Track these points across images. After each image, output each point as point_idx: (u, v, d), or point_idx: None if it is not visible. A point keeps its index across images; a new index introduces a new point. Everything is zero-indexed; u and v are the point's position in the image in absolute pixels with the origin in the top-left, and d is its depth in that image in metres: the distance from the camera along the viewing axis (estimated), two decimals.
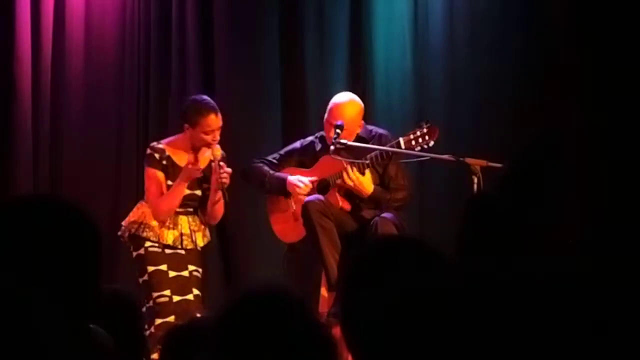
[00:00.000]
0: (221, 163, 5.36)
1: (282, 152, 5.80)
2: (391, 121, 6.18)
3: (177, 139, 5.48)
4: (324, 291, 5.53)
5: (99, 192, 6.57)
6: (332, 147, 5.43)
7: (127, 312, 3.26)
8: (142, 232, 5.38)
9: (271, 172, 5.67)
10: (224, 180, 5.32)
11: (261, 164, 5.71)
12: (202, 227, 5.53)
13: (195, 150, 5.46)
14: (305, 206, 5.41)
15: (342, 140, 5.45)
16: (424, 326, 1.01)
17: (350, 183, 5.40)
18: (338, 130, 5.44)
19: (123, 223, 5.49)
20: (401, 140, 5.38)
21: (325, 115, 5.56)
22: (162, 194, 5.40)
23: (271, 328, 1.74)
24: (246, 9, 6.84)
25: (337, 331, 2.04)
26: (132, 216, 5.47)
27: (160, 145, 5.46)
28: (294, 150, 5.76)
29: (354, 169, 5.39)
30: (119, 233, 5.47)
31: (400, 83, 6.62)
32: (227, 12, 6.84)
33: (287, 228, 5.70)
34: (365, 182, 5.43)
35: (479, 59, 6.49)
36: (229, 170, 5.37)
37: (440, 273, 1.05)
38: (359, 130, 5.54)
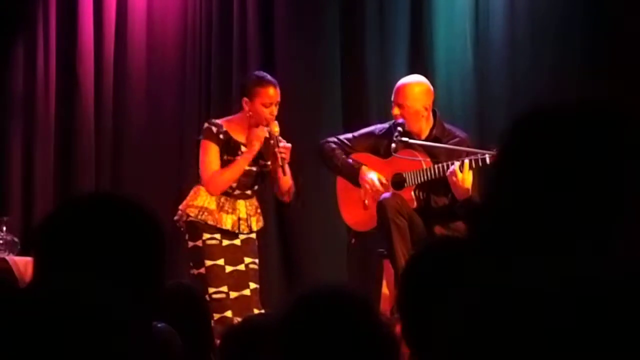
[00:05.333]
0: (279, 137, 5.37)
1: (356, 134, 5.66)
2: (452, 119, 6.11)
3: (234, 117, 5.50)
4: (385, 288, 5.47)
5: (161, 190, 6.60)
6: (393, 145, 5.38)
7: (193, 306, 3.27)
8: (201, 215, 5.36)
9: (343, 156, 5.58)
10: (282, 155, 5.32)
11: (334, 146, 5.62)
12: (258, 211, 5.52)
13: (251, 128, 5.45)
14: (382, 203, 5.26)
15: (404, 139, 5.39)
16: (506, 331, 0.96)
17: (458, 178, 5.16)
18: (400, 129, 5.39)
19: (180, 207, 5.46)
20: (487, 156, 5.17)
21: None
22: (217, 167, 5.39)
23: (336, 329, 1.72)
24: (307, 6, 6.84)
25: (398, 330, 2.02)
26: (190, 199, 5.43)
27: (217, 121, 5.48)
28: (370, 134, 5.61)
29: (464, 165, 5.17)
30: (176, 218, 5.42)
31: (461, 81, 6.56)
32: (287, 10, 6.84)
33: (357, 216, 5.58)
34: (467, 182, 5.18)
35: (541, 57, 6.39)
36: (289, 145, 5.37)
37: (524, 273, 1.00)
38: (425, 114, 5.44)
